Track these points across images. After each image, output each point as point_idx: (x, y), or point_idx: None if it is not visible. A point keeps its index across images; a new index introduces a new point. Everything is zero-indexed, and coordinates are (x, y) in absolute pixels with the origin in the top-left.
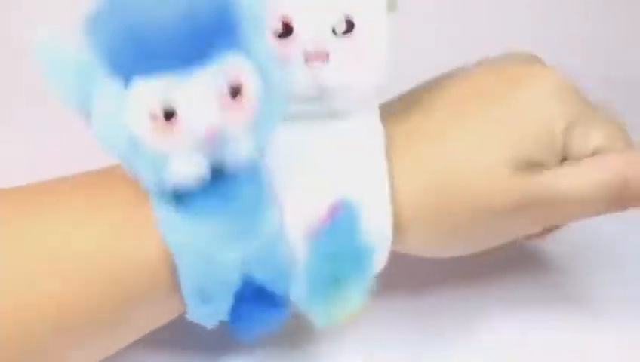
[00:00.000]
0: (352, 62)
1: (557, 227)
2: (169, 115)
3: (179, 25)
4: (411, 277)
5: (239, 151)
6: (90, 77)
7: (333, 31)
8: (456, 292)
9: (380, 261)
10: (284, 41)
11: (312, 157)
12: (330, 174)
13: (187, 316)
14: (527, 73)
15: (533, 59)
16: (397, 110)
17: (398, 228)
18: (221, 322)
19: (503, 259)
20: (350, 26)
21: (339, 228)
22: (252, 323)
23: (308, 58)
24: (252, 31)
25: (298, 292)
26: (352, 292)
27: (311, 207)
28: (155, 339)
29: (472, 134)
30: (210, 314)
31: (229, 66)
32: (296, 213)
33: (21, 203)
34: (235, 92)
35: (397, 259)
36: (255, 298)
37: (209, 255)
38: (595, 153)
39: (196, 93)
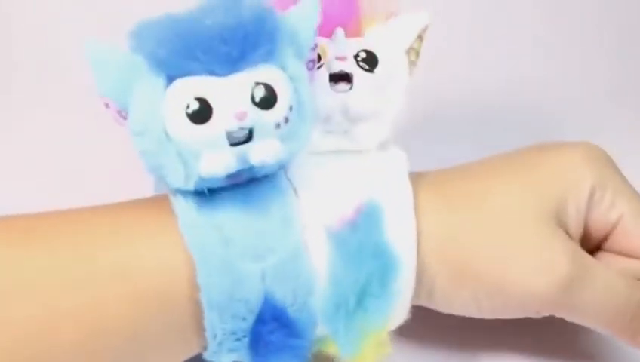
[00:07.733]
0: (374, 92)
1: None
2: (204, 112)
3: (222, 32)
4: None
5: (267, 153)
6: (132, 73)
7: (358, 63)
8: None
9: (405, 283)
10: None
11: (336, 172)
12: (355, 186)
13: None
14: (558, 143)
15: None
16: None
17: (419, 273)
18: None
19: None
20: (374, 60)
21: (363, 224)
22: (272, 356)
23: (333, 80)
24: (290, 50)
25: (321, 307)
26: (375, 312)
27: (335, 211)
28: None
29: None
30: (228, 336)
31: (266, 74)
32: (319, 217)
33: (46, 230)
34: (269, 97)
35: None
36: (275, 323)
37: (230, 264)
38: (616, 223)
39: (231, 91)
